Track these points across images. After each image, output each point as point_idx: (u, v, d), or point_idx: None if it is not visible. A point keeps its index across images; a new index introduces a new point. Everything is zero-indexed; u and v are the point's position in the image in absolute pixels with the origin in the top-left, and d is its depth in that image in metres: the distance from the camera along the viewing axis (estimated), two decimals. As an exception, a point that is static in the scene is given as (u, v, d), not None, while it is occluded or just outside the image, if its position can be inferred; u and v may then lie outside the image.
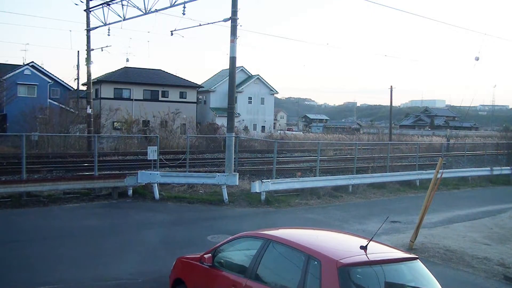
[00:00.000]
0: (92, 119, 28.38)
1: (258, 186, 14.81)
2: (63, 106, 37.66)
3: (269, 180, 15.50)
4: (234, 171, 16.39)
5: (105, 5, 25.03)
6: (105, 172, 16.87)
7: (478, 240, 11.20)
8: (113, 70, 46.84)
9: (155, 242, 10.22)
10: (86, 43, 27.69)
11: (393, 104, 52.33)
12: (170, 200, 15.01)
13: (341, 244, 5.20)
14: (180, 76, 48.98)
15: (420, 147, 31.29)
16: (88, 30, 27.45)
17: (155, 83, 45.49)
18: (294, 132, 70.91)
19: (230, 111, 17.04)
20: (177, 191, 16.19)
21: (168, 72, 49.51)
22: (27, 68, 40.60)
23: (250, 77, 55.83)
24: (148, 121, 38.12)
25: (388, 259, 4.69)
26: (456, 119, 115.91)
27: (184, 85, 47.26)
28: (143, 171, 15.65)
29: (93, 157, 16.35)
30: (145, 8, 22.77)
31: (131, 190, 15.21)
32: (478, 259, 9.58)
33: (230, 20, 16.52)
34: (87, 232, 10.92)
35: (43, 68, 43.84)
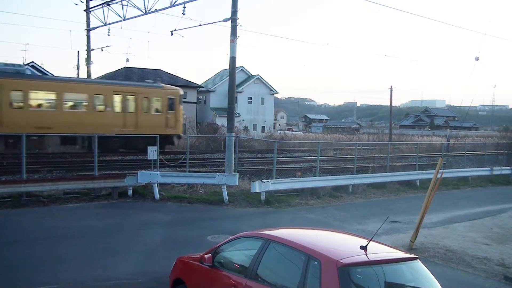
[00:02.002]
0: (92, 119, 28.31)
1: (258, 186, 14.81)
2: (63, 106, 37.59)
3: (269, 180, 15.50)
4: (234, 171, 16.40)
5: (105, 5, 25.08)
6: (105, 172, 16.86)
7: (478, 240, 11.21)
8: (113, 70, 46.88)
9: (155, 242, 10.22)
10: (86, 43, 27.76)
11: (393, 104, 52.35)
12: (170, 200, 15.01)
13: (341, 244, 5.21)
14: (180, 76, 49.00)
15: (420, 147, 31.28)
16: (88, 30, 27.49)
17: (155, 83, 45.42)
18: (294, 132, 70.90)
19: (230, 111, 17.05)
20: (177, 191, 16.19)
21: (168, 72, 49.52)
22: (27, 68, 40.54)
23: (250, 77, 55.82)
24: (148, 121, 37.98)
25: (388, 259, 4.69)
26: (456, 119, 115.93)
27: (184, 85, 47.17)
28: (143, 171, 15.65)
29: (93, 157, 16.34)
30: (145, 8, 22.81)
31: (131, 190, 15.21)
32: (478, 259, 9.58)
33: (230, 20, 16.53)
34: (87, 232, 10.92)
35: (43, 68, 43.71)
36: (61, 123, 22.47)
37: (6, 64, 23.09)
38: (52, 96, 23.05)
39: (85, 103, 23.90)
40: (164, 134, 24.50)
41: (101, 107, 24.54)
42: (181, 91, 28.06)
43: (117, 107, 24.98)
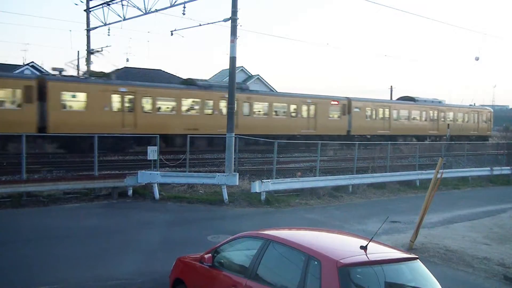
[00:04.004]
0: (92, 119, 28.27)
1: (258, 186, 14.81)
2: (63, 106, 37.56)
3: (269, 180, 15.50)
4: (234, 171, 16.39)
5: (105, 5, 25.10)
6: (105, 172, 16.86)
7: (478, 240, 11.21)
8: (113, 70, 46.75)
9: (155, 242, 10.22)
10: (86, 43, 27.75)
11: (393, 104, 52.32)
12: (170, 200, 15.01)
13: (341, 244, 5.21)
14: (180, 76, 48.83)
15: (420, 147, 31.24)
16: (88, 30, 27.50)
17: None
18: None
19: (230, 111, 17.05)
20: (177, 191, 16.19)
21: (168, 72, 49.41)
22: (27, 68, 40.55)
23: (250, 77, 55.72)
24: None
25: (388, 259, 4.70)
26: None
27: (184, 85, 47.08)
28: (143, 171, 15.64)
29: (93, 157, 16.34)
30: (145, 8, 22.82)
31: (131, 190, 15.21)
32: (478, 259, 9.58)
33: (230, 20, 16.53)
34: (87, 232, 10.92)
35: (43, 68, 43.73)
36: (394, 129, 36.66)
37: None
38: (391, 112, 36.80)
39: (412, 117, 38.53)
40: (484, 135, 43.81)
41: (430, 119, 39.78)
42: (491, 110, 47.16)
43: (460, 119, 41.99)
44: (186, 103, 26.26)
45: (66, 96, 22.47)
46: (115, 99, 23.61)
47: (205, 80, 28.98)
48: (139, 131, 23.42)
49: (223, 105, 25.90)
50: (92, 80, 23.77)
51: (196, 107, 26.53)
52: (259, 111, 29.28)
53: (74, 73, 26.28)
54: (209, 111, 26.65)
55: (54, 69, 23.85)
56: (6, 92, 21.52)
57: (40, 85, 21.91)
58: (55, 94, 22.00)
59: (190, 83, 27.27)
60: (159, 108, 25.44)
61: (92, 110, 22.73)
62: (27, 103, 21.37)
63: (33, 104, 21.48)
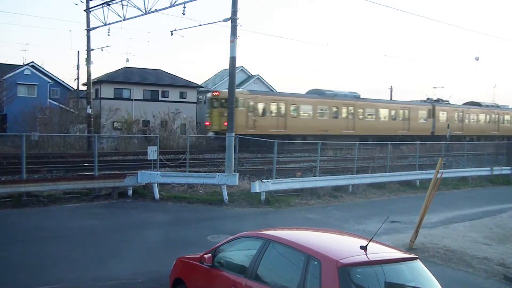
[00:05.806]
0: (92, 119, 28.42)
1: (258, 186, 14.80)
2: (63, 106, 37.67)
3: (269, 180, 15.49)
4: (234, 171, 16.38)
5: (105, 5, 25.05)
6: (105, 172, 16.87)
7: (478, 240, 11.21)
8: (113, 70, 46.75)
9: (155, 242, 10.22)
10: (86, 43, 27.73)
11: (394, 104, 52.62)
12: (170, 200, 15.01)
13: (341, 244, 5.21)
14: (180, 76, 48.82)
15: (420, 147, 31.25)
16: (88, 30, 27.48)
17: (155, 83, 45.32)
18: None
19: (230, 111, 17.05)
20: (177, 191, 16.20)
21: (168, 72, 49.38)
22: (27, 68, 40.62)
23: (250, 77, 55.70)
24: (148, 121, 38.05)
25: (388, 259, 4.70)
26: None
27: (184, 85, 47.16)
28: (143, 171, 15.65)
29: (93, 157, 16.34)
30: (145, 8, 22.79)
31: (131, 190, 15.21)
32: (478, 259, 9.58)
33: (230, 20, 16.53)
34: (87, 232, 10.93)
35: (43, 68, 43.85)
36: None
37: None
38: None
39: None
40: None
41: None
42: None
43: None
44: (478, 116, 46.95)
45: (440, 113, 42.79)
46: (455, 115, 44.30)
47: (477, 101, 48.59)
48: (466, 133, 43.58)
49: (486, 117, 47.85)
50: (447, 104, 45.21)
51: (482, 119, 47.11)
52: (479, 120, 47.64)
53: None
54: (482, 121, 47.01)
55: (428, 98, 45.61)
56: (421, 113, 41.62)
57: (432, 108, 42.26)
58: (438, 114, 42.54)
59: (476, 104, 47.61)
60: (472, 119, 45.81)
61: (450, 121, 42.50)
62: (428, 118, 41.82)
63: (430, 119, 41.91)
